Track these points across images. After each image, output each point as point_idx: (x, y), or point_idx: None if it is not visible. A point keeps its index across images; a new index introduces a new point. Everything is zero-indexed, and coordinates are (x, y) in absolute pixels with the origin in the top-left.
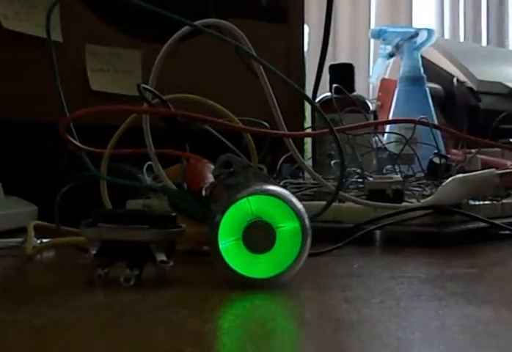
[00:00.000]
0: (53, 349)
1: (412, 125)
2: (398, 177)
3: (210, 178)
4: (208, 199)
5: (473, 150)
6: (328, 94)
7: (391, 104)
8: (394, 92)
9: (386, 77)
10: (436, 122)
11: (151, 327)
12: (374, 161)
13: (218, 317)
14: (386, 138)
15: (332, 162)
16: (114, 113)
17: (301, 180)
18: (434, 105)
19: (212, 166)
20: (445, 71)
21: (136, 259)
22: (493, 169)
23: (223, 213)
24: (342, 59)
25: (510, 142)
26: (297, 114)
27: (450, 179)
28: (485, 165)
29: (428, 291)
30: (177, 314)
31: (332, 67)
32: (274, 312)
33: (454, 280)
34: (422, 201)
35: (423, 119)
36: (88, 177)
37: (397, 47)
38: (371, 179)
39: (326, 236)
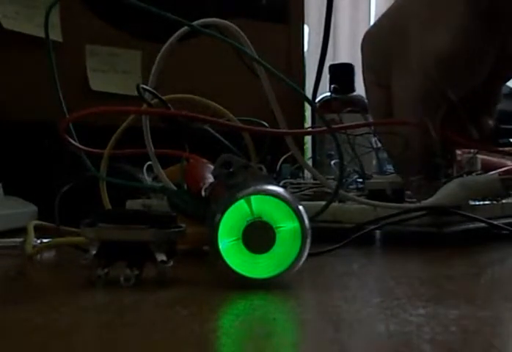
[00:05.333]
0: (53, 349)
1: None
2: (398, 177)
3: (210, 178)
4: (208, 199)
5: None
6: (328, 94)
7: None
8: None
9: None
10: None
11: (151, 327)
12: (374, 161)
13: (218, 317)
14: None
15: (332, 162)
16: (113, 113)
17: (301, 180)
18: None
19: (212, 166)
20: None
21: (136, 259)
22: (495, 174)
23: (223, 213)
24: (342, 59)
25: (510, 142)
26: (297, 115)
27: (452, 181)
28: (486, 165)
29: (428, 291)
30: (177, 314)
31: (332, 67)
32: (274, 312)
33: (454, 280)
34: (423, 202)
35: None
36: (88, 177)
37: None
38: (371, 179)
39: (326, 236)
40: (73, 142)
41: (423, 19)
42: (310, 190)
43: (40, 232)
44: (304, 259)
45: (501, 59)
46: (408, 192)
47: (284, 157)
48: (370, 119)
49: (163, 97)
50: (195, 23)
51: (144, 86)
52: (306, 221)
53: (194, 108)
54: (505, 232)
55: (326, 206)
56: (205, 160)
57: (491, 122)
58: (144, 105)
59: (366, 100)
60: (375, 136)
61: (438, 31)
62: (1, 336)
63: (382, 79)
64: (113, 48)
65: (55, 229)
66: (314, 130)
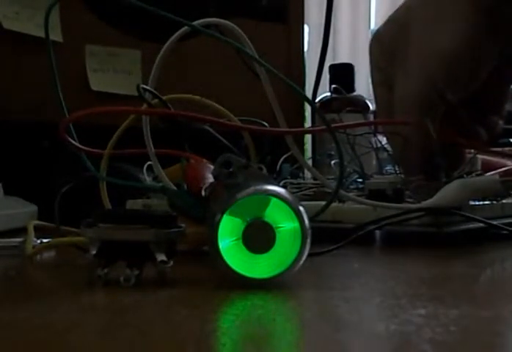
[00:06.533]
0: (53, 349)
1: None
2: (398, 177)
3: (210, 178)
4: (208, 199)
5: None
6: (328, 94)
7: None
8: None
9: None
10: None
11: (151, 327)
12: (374, 161)
13: (218, 317)
14: None
15: (332, 162)
16: (113, 113)
17: (301, 180)
18: None
19: (212, 166)
20: None
21: (136, 259)
22: (496, 175)
23: (223, 213)
24: (342, 59)
25: (510, 142)
26: (297, 115)
27: (452, 182)
28: (486, 165)
29: (427, 291)
30: (177, 314)
31: (332, 67)
32: (274, 312)
33: (454, 280)
34: (423, 202)
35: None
36: (88, 177)
37: None
38: (371, 179)
39: (326, 236)
40: (73, 142)
41: (426, 19)
42: (310, 190)
43: (40, 232)
44: (304, 259)
45: (507, 58)
46: (408, 192)
47: (284, 157)
48: (371, 119)
49: (163, 97)
50: (195, 23)
51: (144, 86)
52: (306, 221)
53: (194, 108)
54: (504, 232)
55: (326, 206)
56: (205, 160)
57: (500, 122)
58: (144, 105)
59: (370, 100)
60: (375, 135)
61: (440, 31)
62: (1, 336)
63: (388, 79)
64: (113, 48)
65: (55, 229)
66: (313, 129)
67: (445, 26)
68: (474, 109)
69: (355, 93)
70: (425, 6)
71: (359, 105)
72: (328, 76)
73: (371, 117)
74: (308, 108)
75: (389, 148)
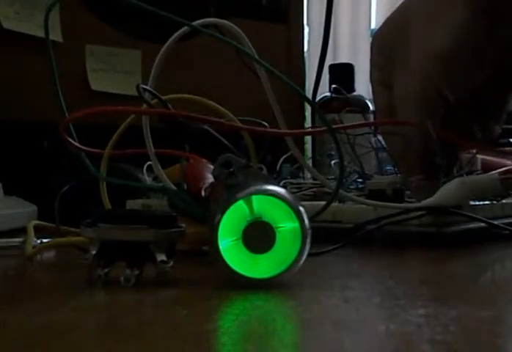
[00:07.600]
0: (53, 349)
1: None
2: (398, 177)
3: (210, 178)
4: (208, 200)
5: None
6: (328, 94)
7: None
8: None
9: None
10: None
11: (151, 327)
12: (374, 161)
13: (218, 317)
14: None
15: (332, 162)
16: (113, 113)
17: (301, 180)
18: None
19: (212, 166)
20: None
21: (136, 259)
22: (495, 174)
23: (223, 213)
24: (342, 59)
25: (510, 142)
26: (297, 114)
27: (452, 181)
28: (486, 165)
29: (427, 291)
30: (177, 314)
31: (332, 67)
32: (274, 312)
33: (454, 280)
34: (423, 202)
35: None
36: (88, 177)
37: None
38: (371, 179)
39: (326, 236)
40: (73, 142)
41: (424, 18)
42: (310, 190)
43: (40, 232)
44: (304, 259)
45: (508, 64)
46: (408, 192)
47: (284, 157)
48: (371, 119)
49: (163, 97)
50: (195, 23)
51: (144, 86)
52: (306, 221)
53: (194, 108)
54: (505, 232)
55: (326, 206)
56: (205, 160)
57: (497, 128)
58: (144, 105)
59: (370, 100)
60: (375, 135)
61: (438, 30)
62: (1, 336)
63: (387, 78)
64: (113, 48)
65: (55, 229)
66: (314, 130)
67: (444, 26)
68: (473, 112)
69: (355, 93)
70: (423, 6)
71: (359, 105)
72: (328, 76)
73: (371, 117)
74: (308, 108)
75: None
